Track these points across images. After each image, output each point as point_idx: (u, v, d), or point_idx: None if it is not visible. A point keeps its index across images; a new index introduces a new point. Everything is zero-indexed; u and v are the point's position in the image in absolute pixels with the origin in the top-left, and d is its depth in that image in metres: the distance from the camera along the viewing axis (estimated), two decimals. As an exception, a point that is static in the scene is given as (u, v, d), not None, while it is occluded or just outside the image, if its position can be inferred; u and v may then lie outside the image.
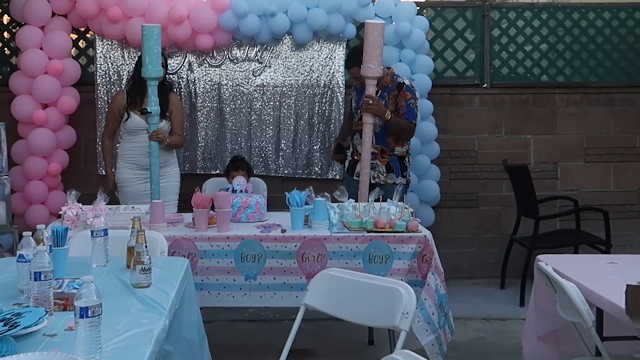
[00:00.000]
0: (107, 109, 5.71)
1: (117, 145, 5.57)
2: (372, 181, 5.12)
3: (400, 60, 5.93)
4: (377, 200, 4.30)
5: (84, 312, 2.07)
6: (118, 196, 5.36)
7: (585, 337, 3.31)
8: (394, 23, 5.92)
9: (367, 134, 5.02)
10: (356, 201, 4.52)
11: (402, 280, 3.81)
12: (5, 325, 2.16)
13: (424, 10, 6.38)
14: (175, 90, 5.82)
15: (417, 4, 6.15)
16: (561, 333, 3.56)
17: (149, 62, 4.93)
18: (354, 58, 5.25)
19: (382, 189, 4.52)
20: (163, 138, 5.15)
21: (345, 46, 6.05)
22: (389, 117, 5.03)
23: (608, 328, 3.18)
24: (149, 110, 5.03)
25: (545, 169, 6.52)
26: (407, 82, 5.18)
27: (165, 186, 5.24)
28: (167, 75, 5.47)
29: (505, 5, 6.56)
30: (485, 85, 6.50)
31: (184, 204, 5.11)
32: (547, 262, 3.39)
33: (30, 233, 2.84)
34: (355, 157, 5.24)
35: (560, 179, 6.55)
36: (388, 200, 4.40)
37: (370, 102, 4.97)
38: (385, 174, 5.20)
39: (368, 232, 4.16)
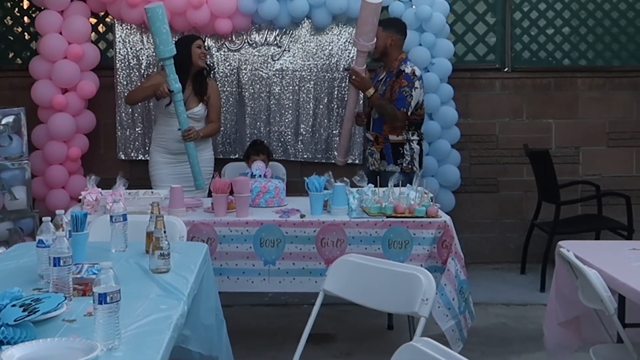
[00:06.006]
0: (128, 89, 5.87)
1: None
2: (370, 168, 5.27)
3: (420, 44, 5.87)
4: (396, 186, 4.28)
5: (102, 298, 2.06)
6: (150, 175, 5.32)
7: (607, 324, 3.28)
8: (414, 7, 5.86)
9: (351, 96, 5.34)
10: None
11: (421, 265, 3.81)
12: (24, 310, 2.16)
13: (445, -7, 6.30)
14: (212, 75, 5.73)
15: (438, -13, 6.09)
16: (583, 320, 3.52)
17: (160, 43, 4.88)
18: (386, 22, 5.32)
19: (378, 176, 4.75)
20: (195, 135, 5.10)
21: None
22: (369, 95, 5.15)
23: (630, 315, 3.15)
24: (171, 89, 4.97)
25: (567, 154, 6.45)
26: (407, 70, 5.10)
27: None
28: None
29: (527, -12, 6.48)
30: (506, 69, 6.44)
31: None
32: (569, 248, 3.36)
33: (49, 218, 2.84)
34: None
35: (582, 164, 6.48)
36: (407, 185, 4.38)
37: (354, 77, 5.15)
38: (379, 161, 5.22)
39: (387, 217, 4.14)
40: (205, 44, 5.99)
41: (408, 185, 4.37)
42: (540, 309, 5.00)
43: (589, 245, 3.99)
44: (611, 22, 6.47)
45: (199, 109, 5.23)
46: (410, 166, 5.14)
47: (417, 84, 5.09)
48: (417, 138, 5.22)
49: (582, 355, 3.47)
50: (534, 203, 6.12)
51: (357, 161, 6.05)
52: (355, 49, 5.32)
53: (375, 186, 4.40)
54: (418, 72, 5.14)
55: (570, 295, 3.40)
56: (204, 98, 5.26)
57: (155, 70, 5.96)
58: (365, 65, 5.22)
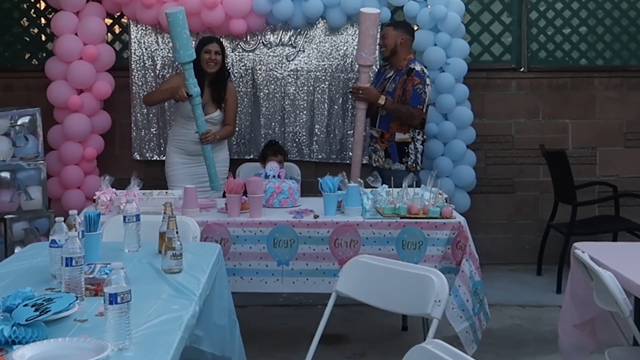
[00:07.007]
0: (143, 90, 5.95)
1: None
2: (374, 164, 5.30)
3: (435, 44, 5.84)
4: (410, 186, 4.26)
5: (113, 299, 2.07)
6: (166, 175, 5.36)
7: (622, 327, 3.24)
8: (429, 6, 5.83)
9: (359, 119, 5.25)
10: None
11: (435, 267, 3.79)
12: (36, 310, 2.17)
13: (460, -7, 6.27)
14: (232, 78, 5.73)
15: (453, -14, 6.06)
16: (598, 322, 3.48)
17: (181, 48, 4.90)
18: (395, 23, 5.44)
19: (382, 173, 4.76)
20: (212, 138, 5.15)
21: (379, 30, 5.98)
22: (382, 103, 5.13)
23: (646, 317, 3.12)
24: (190, 93, 5.00)
25: (583, 154, 6.40)
26: (417, 68, 5.16)
27: None
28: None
29: (543, -13, 6.44)
30: (522, 69, 6.40)
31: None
32: (584, 249, 3.32)
33: (62, 218, 2.85)
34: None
35: (599, 165, 6.43)
36: (422, 186, 4.37)
37: (360, 92, 5.14)
38: (383, 159, 5.23)
39: (401, 218, 4.12)
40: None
41: (422, 186, 4.36)
42: (556, 311, 4.95)
43: (604, 246, 3.95)
44: (629, 22, 6.42)
45: (217, 115, 5.27)
46: (415, 165, 5.17)
47: (428, 81, 5.15)
48: (422, 138, 5.24)
49: (597, 358, 3.43)
50: (550, 204, 6.08)
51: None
52: (358, 66, 5.36)
53: (389, 186, 4.38)
54: (427, 71, 5.21)
55: (585, 297, 3.37)
56: (221, 104, 5.28)
57: (170, 70, 5.99)
58: (369, 83, 5.25)
